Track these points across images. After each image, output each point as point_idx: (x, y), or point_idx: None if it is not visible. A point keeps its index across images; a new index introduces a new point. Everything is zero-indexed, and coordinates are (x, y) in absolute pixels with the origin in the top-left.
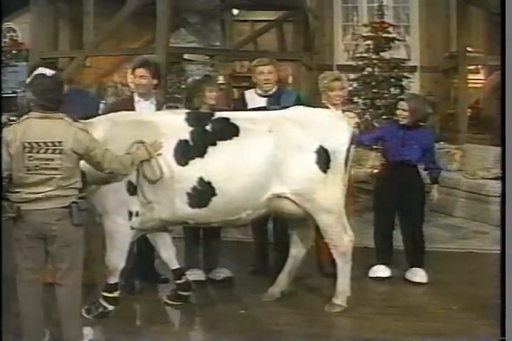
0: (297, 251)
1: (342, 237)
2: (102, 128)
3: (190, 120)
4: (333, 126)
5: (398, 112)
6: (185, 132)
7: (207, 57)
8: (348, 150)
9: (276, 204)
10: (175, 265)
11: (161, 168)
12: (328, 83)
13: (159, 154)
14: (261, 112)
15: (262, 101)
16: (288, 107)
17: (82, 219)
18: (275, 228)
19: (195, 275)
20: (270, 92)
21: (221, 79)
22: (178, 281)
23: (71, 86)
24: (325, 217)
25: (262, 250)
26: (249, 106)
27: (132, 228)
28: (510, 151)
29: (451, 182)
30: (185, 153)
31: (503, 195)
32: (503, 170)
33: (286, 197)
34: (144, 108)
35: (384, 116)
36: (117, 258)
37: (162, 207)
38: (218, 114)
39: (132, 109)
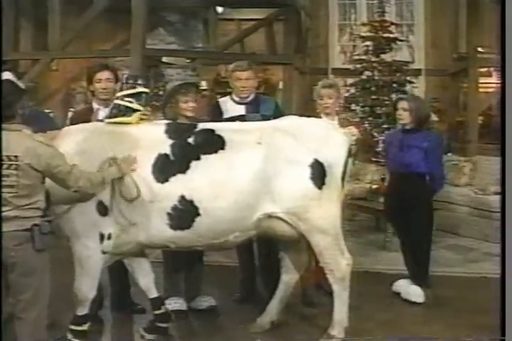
0: (289, 276)
1: (339, 261)
2: (74, 139)
3: (170, 132)
4: (328, 138)
5: (398, 112)
6: (165, 145)
7: (188, 61)
8: (346, 164)
9: (268, 225)
10: (153, 293)
11: (138, 186)
12: (319, 90)
13: (133, 170)
14: (249, 123)
15: (241, 109)
16: (270, 116)
17: (46, 243)
18: (262, 250)
19: (175, 304)
20: (248, 99)
21: (204, 85)
22: (157, 312)
23: (32, 107)
24: (320, 238)
25: (249, 275)
26: (227, 115)
27: (104, 252)
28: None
29: (460, 199)
30: (166, 168)
31: (502, 209)
32: (503, 181)
33: (277, 217)
34: (106, 117)
35: (385, 125)
36: (87, 286)
37: (139, 228)
38: (202, 125)
39: (93, 119)
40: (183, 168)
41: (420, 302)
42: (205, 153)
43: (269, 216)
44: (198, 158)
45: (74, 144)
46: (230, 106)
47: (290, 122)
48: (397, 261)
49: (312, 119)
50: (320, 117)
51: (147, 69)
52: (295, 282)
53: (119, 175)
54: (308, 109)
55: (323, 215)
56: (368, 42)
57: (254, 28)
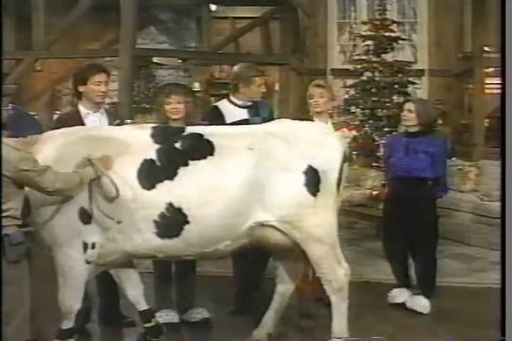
0: (284, 287)
1: (336, 271)
2: (54, 144)
3: (156, 136)
4: (323, 143)
5: (403, 114)
6: (151, 150)
7: (180, 61)
8: (341, 169)
9: (260, 234)
10: (143, 306)
11: (116, 185)
12: (309, 89)
13: (108, 169)
14: (239, 127)
15: (243, 113)
16: (268, 120)
17: (19, 254)
18: (258, 259)
19: (167, 316)
20: (249, 103)
21: (197, 87)
22: (147, 325)
23: (14, 105)
24: (316, 248)
25: (244, 286)
26: (229, 119)
27: (88, 262)
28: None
29: (465, 205)
30: (152, 174)
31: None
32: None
33: (270, 225)
34: (96, 122)
35: (386, 129)
36: (72, 298)
37: (125, 237)
38: (190, 129)
39: (81, 124)
40: (171, 175)
41: (425, 313)
42: (193, 159)
43: (262, 224)
44: (186, 164)
45: (53, 149)
46: (231, 110)
47: (283, 126)
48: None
49: (305, 123)
50: (313, 119)
51: (137, 70)
52: (291, 292)
53: (95, 176)
54: (306, 111)
55: (318, 223)
56: (368, 42)
57: (249, 27)
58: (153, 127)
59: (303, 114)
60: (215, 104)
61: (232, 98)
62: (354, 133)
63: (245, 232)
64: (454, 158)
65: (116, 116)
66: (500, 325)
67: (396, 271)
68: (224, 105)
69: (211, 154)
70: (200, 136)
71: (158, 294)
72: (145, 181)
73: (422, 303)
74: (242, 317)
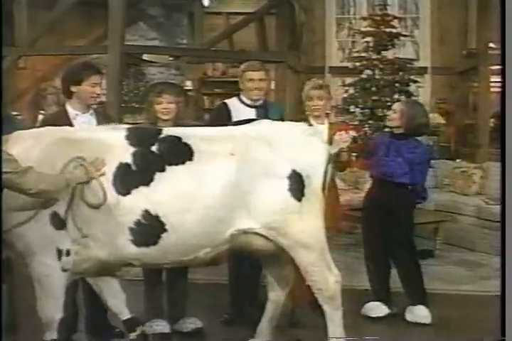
0: (276, 294)
1: (327, 278)
2: (21, 146)
3: (132, 138)
4: (306, 145)
5: (388, 113)
6: (126, 153)
7: (171, 58)
8: (326, 173)
9: (242, 240)
10: (126, 315)
11: (105, 190)
12: (308, 91)
13: (102, 174)
14: (219, 129)
15: (251, 113)
16: (249, 121)
17: None
18: (254, 266)
19: (157, 326)
20: (258, 103)
21: (189, 85)
22: (132, 334)
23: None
24: (304, 254)
25: (240, 294)
26: (236, 118)
27: (64, 270)
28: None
29: (470, 209)
30: (127, 179)
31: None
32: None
33: (255, 233)
34: (85, 123)
35: (386, 129)
36: (52, 307)
37: (99, 244)
38: (167, 131)
39: (69, 125)
40: (147, 180)
41: (428, 323)
42: (170, 164)
43: (245, 231)
44: (163, 170)
45: (22, 151)
46: (240, 109)
47: (264, 128)
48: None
49: (287, 124)
50: (309, 120)
51: (126, 68)
52: (284, 300)
53: (85, 179)
54: (303, 111)
55: (304, 229)
56: (368, 38)
57: (243, 23)
58: (129, 128)
59: (300, 113)
60: (225, 100)
61: (242, 96)
62: (353, 133)
63: (226, 239)
64: (458, 160)
65: (106, 117)
66: (500, 325)
67: (373, 281)
68: (233, 103)
69: (190, 159)
70: (178, 139)
71: (148, 303)
72: (120, 186)
73: (422, 313)
74: (236, 327)
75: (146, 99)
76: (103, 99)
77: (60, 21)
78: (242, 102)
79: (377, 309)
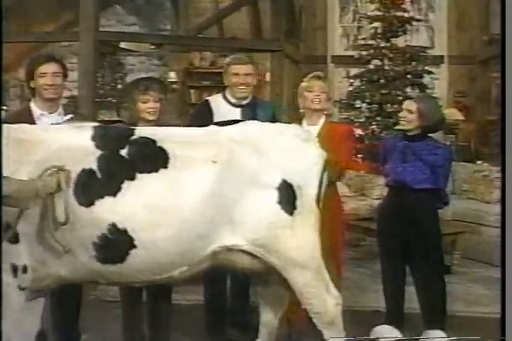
0: (268, 316)
1: (325, 301)
2: None
3: (98, 139)
4: (298, 151)
5: (401, 114)
6: (90, 158)
7: (152, 47)
8: (321, 183)
9: (227, 258)
10: None
11: (68, 207)
12: (308, 81)
13: (68, 186)
14: (200, 131)
15: (236, 113)
16: (234, 123)
17: None
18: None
19: None
20: (245, 101)
21: (173, 77)
22: None
23: None
24: (297, 274)
25: (217, 315)
26: (219, 118)
27: (22, 288)
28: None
29: (491, 219)
30: (91, 188)
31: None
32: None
33: (240, 250)
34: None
35: (397, 127)
36: (10, 330)
37: (59, 260)
38: (140, 132)
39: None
40: (114, 189)
41: None
42: (142, 172)
43: (229, 249)
44: (133, 178)
45: None
46: (223, 108)
47: (251, 131)
48: (414, 298)
49: (278, 126)
50: (303, 116)
51: (101, 57)
52: (278, 323)
53: (55, 190)
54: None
55: (297, 245)
56: (376, 24)
57: (234, 7)
58: (95, 127)
59: (298, 109)
60: (208, 97)
61: (226, 93)
62: (359, 132)
63: (207, 257)
64: (479, 162)
65: (77, 115)
66: (500, 325)
67: (389, 301)
68: (216, 101)
69: (164, 167)
70: (152, 142)
71: (127, 328)
72: (83, 196)
73: (440, 339)
74: None
75: (129, 96)
76: (74, 93)
77: (23, 4)
78: (227, 100)
79: (388, 333)
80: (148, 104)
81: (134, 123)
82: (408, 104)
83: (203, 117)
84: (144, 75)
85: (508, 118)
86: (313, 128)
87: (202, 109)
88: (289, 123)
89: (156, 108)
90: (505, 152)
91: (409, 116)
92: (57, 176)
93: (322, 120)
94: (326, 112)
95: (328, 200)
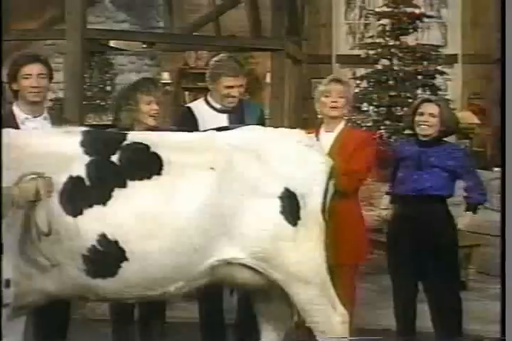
0: (271, 335)
1: (330, 319)
2: None
3: (87, 144)
4: (302, 158)
5: (423, 118)
6: (78, 164)
7: (144, 45)
8: (326, 191)
9: (227, 273)
10: None
11: (50, 217)
12: (325, 85)
13: (49, 196)
14: (197, 137)
15: (222, 119)
16: (229, 128)
17: None
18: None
19: None
20: (231, 106)
21: (166, 78)
22: None
23: None
24: (301, 290)
25: (212, 333)
26: (204, 126)
27: (4, 305)
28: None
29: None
30: (79, 197)
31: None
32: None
33: (240, 264)
34: (37, 129)
35: (407, 131)
36: None
37: (45, 274)
38: (133, 137)
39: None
40: (104, 198)
41: None
42: (133, 179)
43: (229, 262)
44: (124, 185)
45: None
46: (208, 114)
47: (252, 137)
48: (426, 316)
49: (280, 132)
50: (321, 122)
51: (89, 57)
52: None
53: (34, 198)
54: (306, 110)
55: (301, 259)
56: (384, 20)
57: (232, 3)
58: (84, 132)
59: (302, 112)
60: (188, 104)
61: (209, 98)
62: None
63: (205, 272)
64: (495, 169)
65: (63, 122)
66: (500, 325)
67: (400, 318)
68: (198, 107)
69: (158, 173)
70: (146, 147)
71: None
72: (70, 205)
73: None
74: None
75: (131, 97)
76: (60, 95)
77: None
78: (211, 106)
79: None
80: (151, 106)
81: (131, 128)
82: (429, 108)
83: (185, 125)
84: (134, 76)
85: (508, 118)
86: (330, 135)
87: (184, 116)
88: (292, 127)
89: (158, 111)
90: (505, 152)
91: (431, 120)
92: (35, 183)
93: (340, 126)
94: (346, 118)
95: (343, 212)
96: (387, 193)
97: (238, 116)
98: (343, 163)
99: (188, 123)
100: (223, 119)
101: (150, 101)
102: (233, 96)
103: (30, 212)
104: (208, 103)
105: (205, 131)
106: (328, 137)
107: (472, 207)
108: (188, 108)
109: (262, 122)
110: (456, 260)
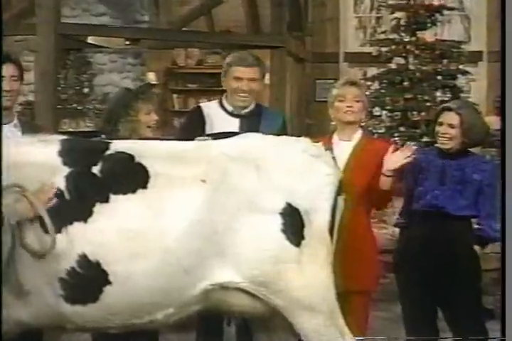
0: None
1: None
2: None
3: (66, 154)
4: (306, 169)
5: (441, 130)
6: (57, 176)
7: (127, 42)
8: (334, 207)
9: (222, 299)
10: None
11: (54, 231)
12: (339, 89)
13: (49, 205)
14: (188, 144)
15: (234, 124)
16: (227, 135)
17: None
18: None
19: None
20: (246, 110)
21: (152, 78)
22: None
23: None
24: (306, 319)
25: None
26: (211, 130)
27: None
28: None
29: None
30: (57, 212)
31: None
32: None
33: (237, 288)
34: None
35: (424, 139)
36: None
37: (19, 301)
38: (116, 146)
39: None
40: (84, 214)
41: None
42: (116, 193)
43: (224, 287)
44: (107, 200)
45: None
46: (218, 117)
47: (251, 145)
48: None
49: (282, 140)
50: (334, 130)
51: (64, 55)
52: None
53: (30, 216)
54: (311, 114)
55: (306, 284)
56: (398, 14)
57: None
58: (63, 140)
59: (306, 116)
60: (201, 104)
61: (223, 99)
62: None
63: (197, 297)
64: None
65: (35, 129)
66: (500, 325)
67: None
68: (210, 107)
69: (144, 187)
70: (130, 157)
71: None
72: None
73: None
74: None
75: (131, 106)
76: (30, 98)
77: None
78: (223, 109)
79: None
80: (151, 116)
81: (126, 138)
82: (449, 117)
83: (191, 128)
84: (116, 77)
85: (508, 119)
86: (346, 144)
87: (192, 115)
88: (293, 134)
89: (157, 121)
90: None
91: (451, 131)
92: (27, 198)
93: (358, 135)
94: (362, 124)
95: (354, 230)
96: (402, 209)
97: (252, 123)
98: (365, 178)
99: (194, 123)
100: (234, 124)
101: (150, 110)
102: (243, 92)
103: (17, 232)
104: (221, 104)
105: (208, 135)
106: (344, 146)
107: (483, 241)
108: (199, 107)
109: (283, 134)
110: (479, 287)
